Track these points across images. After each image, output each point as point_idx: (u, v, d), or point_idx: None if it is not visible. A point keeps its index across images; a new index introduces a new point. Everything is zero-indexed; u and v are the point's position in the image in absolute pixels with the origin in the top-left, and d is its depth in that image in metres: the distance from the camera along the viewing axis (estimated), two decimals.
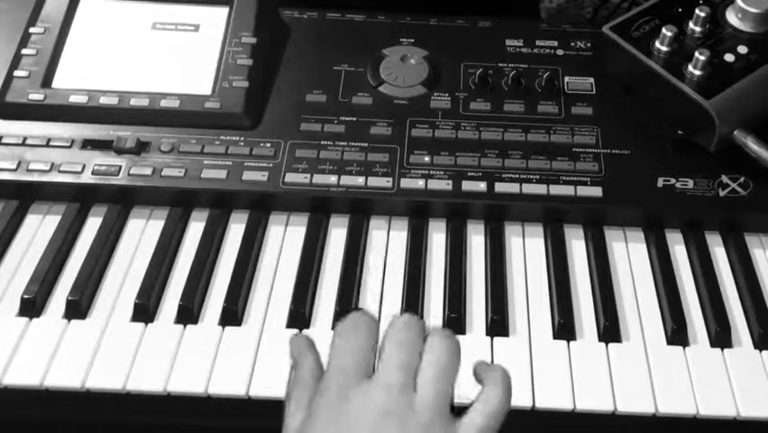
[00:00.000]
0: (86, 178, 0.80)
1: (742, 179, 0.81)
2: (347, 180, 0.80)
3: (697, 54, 0.80)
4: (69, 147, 0.82)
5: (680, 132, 0.84)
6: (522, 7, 0.97)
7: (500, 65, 0.91)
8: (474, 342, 0.72)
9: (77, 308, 0.73)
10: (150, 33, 0.90)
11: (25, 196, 0.82)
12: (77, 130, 0.83)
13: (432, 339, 0.55)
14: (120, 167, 0.81)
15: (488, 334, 0.73)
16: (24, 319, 0.73)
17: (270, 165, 0.81)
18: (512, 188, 0.80)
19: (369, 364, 0.55)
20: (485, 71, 0.89)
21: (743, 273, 0.78)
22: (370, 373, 0.54)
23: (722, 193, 0.80)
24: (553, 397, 0.68)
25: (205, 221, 0.81)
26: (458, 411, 0.54)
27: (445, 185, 0.80)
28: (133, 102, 0.84)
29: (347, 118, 0.85)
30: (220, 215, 0.81)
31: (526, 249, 0.80)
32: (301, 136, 0.84)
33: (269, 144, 0.83)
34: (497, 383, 0.55)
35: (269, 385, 0.68)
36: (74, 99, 0.84)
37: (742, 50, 0.83)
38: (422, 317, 0.73)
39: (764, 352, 0.72)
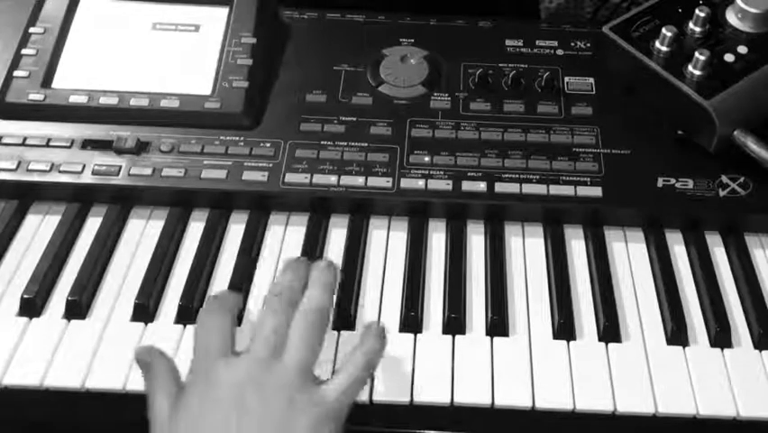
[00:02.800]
0: (87, 178, 0.80)
1: (742, 180, 0.81)
2: (347, 180, 0.80)
3: (697, 54, 0.80)
4: (69, 147, 0.82)
5: (680, 132, 0.84)
6: (522, 7, 0.97)
7: (500, 65, 0.91)
8: (474, 342, 0.72)
9: (77, 308, 0.73)
10: (150, 33, 0.90)
11: (25, 196, 0.82)
12: (77, 130, 0.83)
13: (304, 301, 0.62)
14: (120, 167, 0.81)
15: (488, 334, 0.73)
16: (24, 319, 0.73)
17: (270, 165, 0.81)
18: (512, 188, 0.80)
19: (230, 340, 0.60)
20: (485, 71, 0.89)
21: (743, 274, 0.78)
22: (233, 349, 0.60)
23: (722, 193, 0.80)
24: (553, 397, 0.68)
25: (205, 221, 0.81)
26: None
27: (445, 185, 0.80)
28: (133, 102, 0.84)
29: (347, 118, 0.85)
30: (220, 215, 0.81)
31: (526, 249, 0.80)
32: (301, 136, 0.84)
33: (269, 144, 0.83)
34: (360, 351, 0.61)
35: None
36: (74, 99, 0.84)
37: (742, 50, 0.83)
38: (422, 317, 0.74)
39: (764, 352, 0.72)
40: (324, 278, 0.65)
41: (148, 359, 0.62)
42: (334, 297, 0.66)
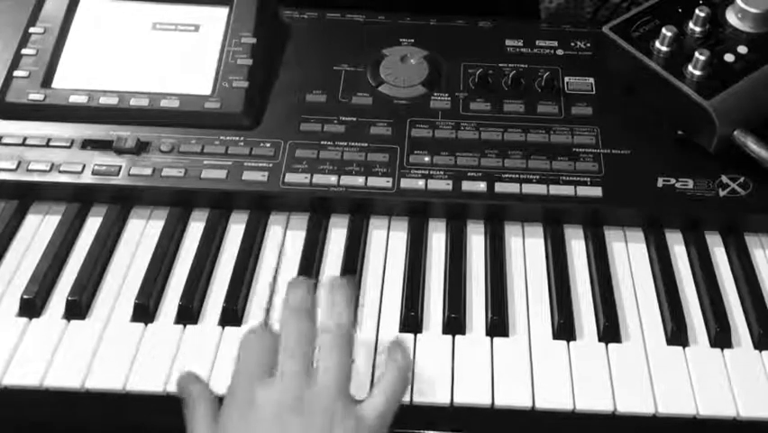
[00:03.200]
0: (86, 178, 0.80)
1: (742, 180, 0.81)
2: (347, 180, 0.80)
3: (697, 54, 0.80)
4: (69, 147, 0.82)
5: (680, 132, 0.84)
6: (522, 7, 0.97)
7: (500, 65, 0.91)
8: (474, 342, 0.72)
9: (77, 308, 0.73)
10: (150, 33, 0.90)
11: (25, 196, 0.82)
12: (77, 130, 0.83)
13: (322, 322, 0.60)
14: (120, 167, 0.81)
15: (488, 334, 0.73)
16: (24, 319, 0.73)
17: (270, 165, 0.81)
18: (512, 188, 0.80)
19: (269, 364, 0.59)
20: (485, 71, 0.89)
21: (743, 274, 0.78)
22: (273, 371, 0.58)
23: (722, 193, 0.80)
24: (553, 397, 0.68)
25: (205, 221, 0.81)
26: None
27: (445, 185, 0.80)
28: (133, 102, 0.84)
29: (347, 118, 0.85)
30: (220, 215, 0.81)
31: (526, 249, 0.80)
32: (301, 136, 0.84)
33: (269, 144, 0.83)
34: (394, 368, 0.60)
35: None
36: (74, 99, 0.84)
37: (742, 50, 0.83)
38: (422, 317, 0.74)
39: (764, 352, 0.72)
40: (340, 296, 0.63)
41: (188, 386, 0.61)
42: (356, 312, 0.65)
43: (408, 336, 0.72)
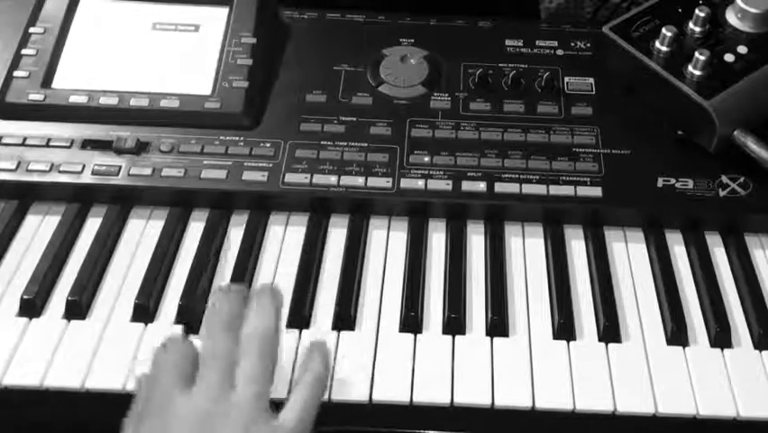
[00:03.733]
0: (86, 178, 0.80)
1: (742, 180, 0.81)
2: (347, 180, 0.80)
3: (697, 54, 0.80)
4: (69, 147, 0.82)
5: (680, 132, 0.84)
6: (522, 7, 0.97)
7: (500, 65, 0.91)
8: (474, 342, 0.72)
9: (77, 308, 0.73)
10: (150, 34, 0.90)
11: (25, 196, 0.82)
12: (76, 130, 0.83)
13: (249, 328, 0.60)
14: (120, 167, 0.81)
15: (488, 334, 0.73)
16: (24, 319, 0.73)
17: (270, 165, 0.81)
18: (512, 188, 0.80)
19: (188, 374, 0.58)
20: (485, 71, 0.89)
21: (743, 274, 0.78)
22: (191, 380, 0.58)
23: (722, 193, 0.80)
24: (553, 397, 0.68)
25: (205, 221, 0.81)
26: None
27: (445, 185, 0.80)
28: (133, 102, 0.84)
29: (347, 118, 0.85)
30: (220, 215, 0.81)
31: (526, 249, 0.80)
32: (301, 136, 0.84)
33: (268, 144, 0.83)
34: (309, 373, 0.60)
35: None
36: (74, 99, 0.84)
37: (742, 50, 0.83)
38: (422, 317, 0.74)
39: (764, 352, 0.72)
40: (265, 302, 0.62)
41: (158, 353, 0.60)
42: (281, 322, 0.63)
43: (408, 336, 0.72)
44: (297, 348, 0.71)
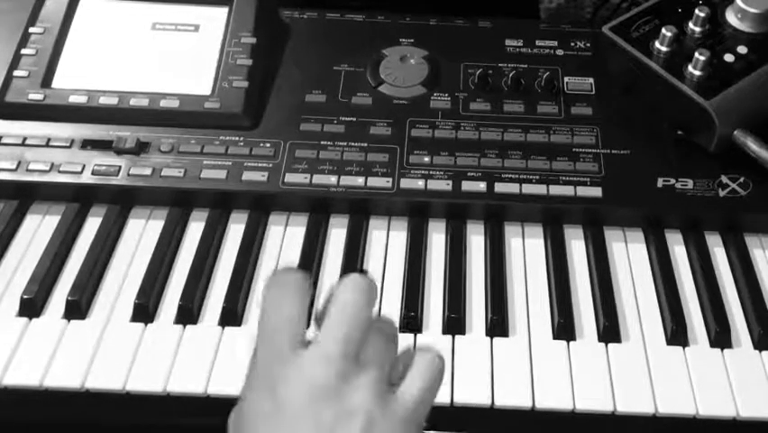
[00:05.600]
0: (86, 178, 0.80)
1: (742, 180, 0.81)
2: (347, 180, 0.80)
3: (697, 54, 0.80)
4: (69, 147, 0.82)
5: (680, 132, 0.84)
6: (522, 7, 0.97)
7: (500, 65, 0.91)
8: (474, 342, 0.72)
9: (77, 308, 0.73)
10: (150, 33, 0.90)
11: (25, 196, 0.82)
12: (76, 130, 0.83)
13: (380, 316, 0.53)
14: (120, 167, 0.81)
15: (487, 334, 0.73)
16: (24, 319, 0.73)
17: (270, 165, 0.81)
18: (512, 188, 0.80)
19: (301, 332, 0.50)
20: (485, 71, 0.89)
21: (743, 273, 0.78)
22: (305, 342, 0.50)
23: (722, 193, 0.80)
24: (553, 397, 0.68)
25: (204, 221, 0.81)
26: None
27: (445, 185, 0.80)
28: (133, 102, 0.84)
29: (347, 118, 0.85)
30: (220, 215, 0.81)
31: (526, 249, 0.80)
32: (301, 136, 0.84)
33: (268, 144, 0.83)
34: (429, 349, 0.52)
35: None
36: (74, 99, 0.84)
37: (742, 50, 0.83)
38: (422, 317, 0.74)
39: (764, 352, 0.72)
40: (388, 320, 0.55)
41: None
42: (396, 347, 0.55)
43: (408, 337, 0.72)
44: None
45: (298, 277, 0.52)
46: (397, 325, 0.73)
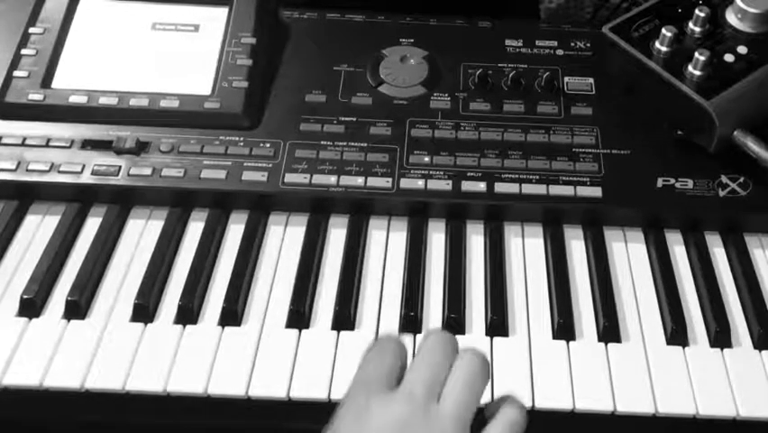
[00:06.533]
0: (86, 178, 0.80)
1: (741, 180, 0.81)
2: (347, 180, 0.80)
3: (697, 54, 0.80)
4: (69, 147, 0.82)
5: (679, 132, 0.84)
6: (522, 7, 0.97)
7: (500, 65, 0.91)
8: (474, 342, 0.72)
9: (77, 308, 0.73)
10: (149, 34, 0.90)
11: (25, 196, 0.82)
12: (76, 130, 0.83)
13: (463, 354, 0.56)
14: (119, 167, 0.81)
15: (487, 334, 0.73)
16: (24, 319, 0.73)
17: (270, 165, 0.81)
18: (512, 188, 0.80)
19: (393, 378, 0.56)
20: (485, 71, 0.89)
21: (742, 273, 0.78)
22: (393, 386, 0.55)
23: (722, 193, 0.80)
24: (553, 397, 0.68)
25: (204, 221, 0.81)
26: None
27: (445, 185, 0.80)
28: (133, 102, 0.84)
29: (347, 118, 0.85)
30: (220, 215, 0.81)
31: (526, 249, 0.80)
32: (301, 136, 0.84)
33: (268, 144, 0.83)
34: (513, 404, 0.56)
35: (269, 385, 0.68)
36: (74, 99, 0.84)
37: (742, 50, 0.83)
38: (422, 317, 0.74)
39: (764, 352, 0.72)
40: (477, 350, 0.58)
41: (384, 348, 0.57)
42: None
43: (408, 337, 0.72)
44: (297, 347, 0.71)
45: (398, 341, 0.58)
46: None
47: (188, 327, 0.73)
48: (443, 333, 0.58)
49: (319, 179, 0.80)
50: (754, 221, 0.81)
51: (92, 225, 0.80)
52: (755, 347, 0.72)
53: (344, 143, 0.83)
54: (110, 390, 0.68)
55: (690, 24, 0.84)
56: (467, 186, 0.80)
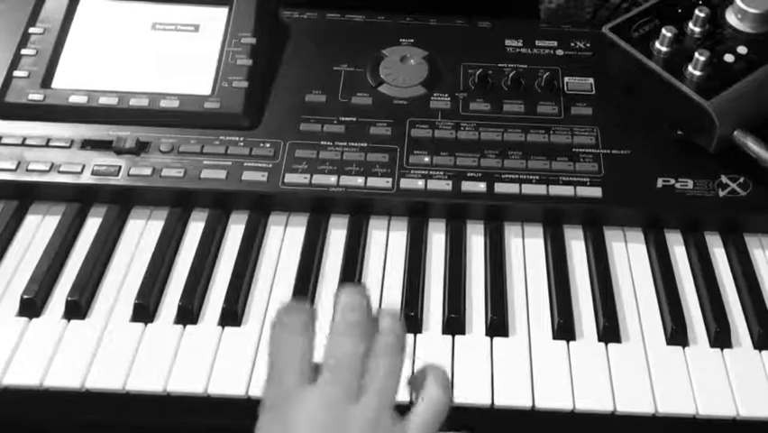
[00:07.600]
0: (86, 178, 0.80)
1: (741, 180, 0.81)
2: (347, 181, 0.80)
3: (697, 55, 0.80)
4: (69, 147, 0.82)
5: (679, 132, 0.84)
6: (522, 7, 0.97)
7: (500, 65, 0.91)
8: (474, 342, 0.72)
9: (77, 308, 0.73)
10: (149, 34, 0.90)
11: (25, 196, 0.82)
12: (76, 130, 0.83)
13: (379, 338, 0.54)
14: (119, 167, 0.81)
15: (487, 334, 0.73)
16: (24, 319, 0.73)
17: (270, 165, 0.81)
18: (512, 188, 0.80)
19: (307, 368, 0.53)
20: (485, 71, 0.89)
21: (742, 274, 0.78)
22: (311, 376, 0.53)
23: (722, 193, 0.80)
24: (553, 397, 0.68)
25: (204, 221, 0.81)
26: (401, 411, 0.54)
27: (445, 185, 0.80)
28: (133, 102, 0.84)
29: (347, 118, 0.85)
30: (220, 215, 0.81)
31: (526, 249, 0.80)
32: (301, 136, 0.84)
33: (268, 144, 0.83)
34: (436, 383, 0.55)
35: None
36: (74, 99, 0.84)
37: (742, 50, 0.83)
38: (422, 317, 0.74)
39: (764, 352, 0.72)
40: (395, 319, 0.57)
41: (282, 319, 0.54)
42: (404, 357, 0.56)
43: (408, 337, 0.72)
44: None
45: (302, 313, 0.55)
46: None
47: (188, 327, 0.73)
48: (352, 307, 0.54)
49: (319, 179, 0.80)
50: (754, 221, 0.81)
51: (92, 226, 0.80)
52: (755, 347, 0.72)
53: (344, 143, 0.83)
54: (110, 390, 0.68)
55: (690, 24, 0.84)
56: (467, 186, 0.80)
